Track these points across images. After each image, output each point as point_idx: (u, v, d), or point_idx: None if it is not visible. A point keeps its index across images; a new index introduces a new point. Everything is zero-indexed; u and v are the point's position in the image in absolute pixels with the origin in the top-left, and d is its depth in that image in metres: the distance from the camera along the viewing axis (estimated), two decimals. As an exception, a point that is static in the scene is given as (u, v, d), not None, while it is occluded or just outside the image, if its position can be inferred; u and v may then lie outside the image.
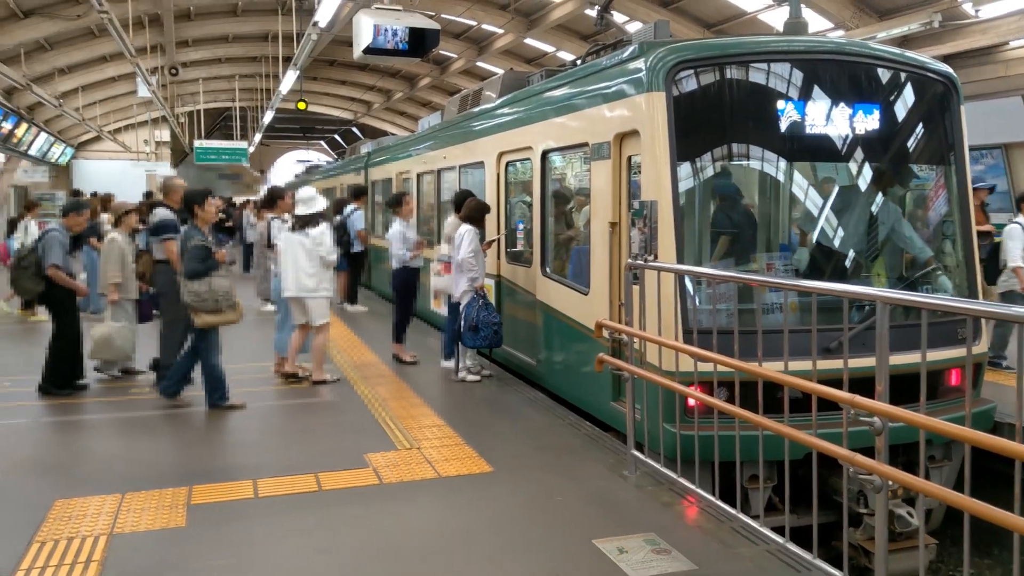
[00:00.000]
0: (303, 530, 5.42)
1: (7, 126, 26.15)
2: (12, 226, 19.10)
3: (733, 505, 5.60)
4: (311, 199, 9.51)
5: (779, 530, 5.24)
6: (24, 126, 27.92)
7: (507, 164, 10.43)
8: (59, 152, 35.36)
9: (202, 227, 8.63)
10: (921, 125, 7.64)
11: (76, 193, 20.26)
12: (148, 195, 20.80)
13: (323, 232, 9.34)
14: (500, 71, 13.52)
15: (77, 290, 9.17)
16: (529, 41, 25.22)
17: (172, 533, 5.35)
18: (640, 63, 7.13)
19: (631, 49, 7.50)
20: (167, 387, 8.70)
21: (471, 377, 9.81)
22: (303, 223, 9.37)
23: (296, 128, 53.39)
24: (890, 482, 4.17)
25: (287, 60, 20.79)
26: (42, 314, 14.01)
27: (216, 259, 8.41)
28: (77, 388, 9.25)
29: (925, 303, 4.16)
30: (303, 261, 9.29)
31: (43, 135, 31.20)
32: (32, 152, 31.15)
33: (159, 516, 5.61)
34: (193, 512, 5.70)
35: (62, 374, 9.13)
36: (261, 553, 5.10)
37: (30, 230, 16.93)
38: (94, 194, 21.18)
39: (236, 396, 8.67)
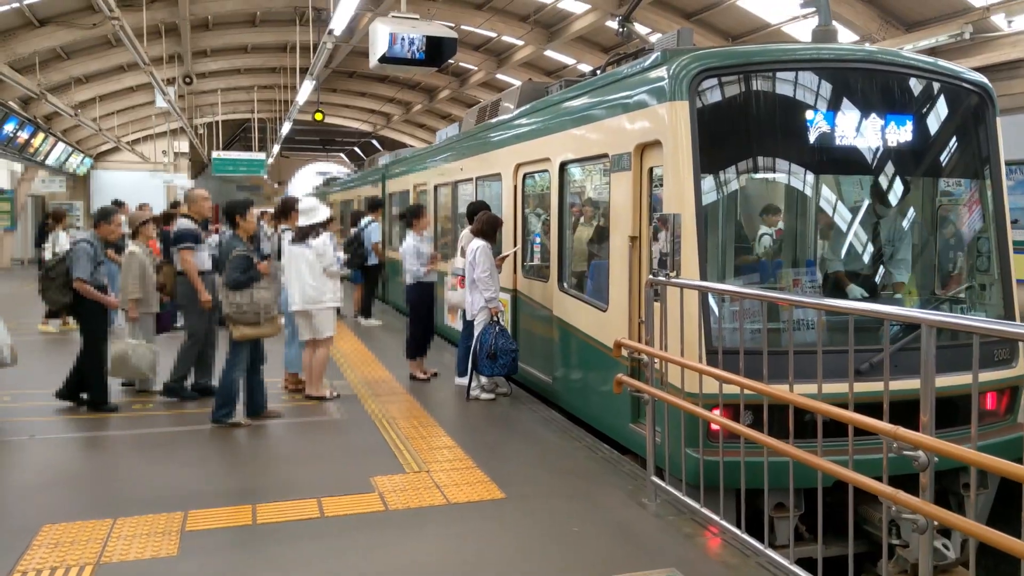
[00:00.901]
0: (301, 561, 5.11)
1: (23, 135, 26.05)
2: (43, 237, 19.03)
3: (757, 534, 5.26)
4: (312, 210, 9.30)
5: (803, 562, 4.90)
6: (41, 136, 27.84)
7: (524, 176, 10.15)
8: (77, 162, 35.34)
9: (244, 237, 8.58)
10: (955, 137, 7.31)
11: (118, 204, 20.19)
12: (174, 205, 20.76)
13: (324, 243, 9.09)
14: (519, 83, 13.28)
15: (106, 303, 8.92)
16: (549, 53, 24.99)
17: (162, 563, 5.05)
18: (662, 71, 6.83)
19: (653, 57, 7.21)
20: (220, 416, 8.38)
21: (485, 395, 9.51)
22: (303, 235, 9.15)
23: (316, 140, 53.46)
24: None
25: (305, 71, 20.61)
26: (51, 326, 13.89)
27: (258, 270, 8.28)
28: (84, 403, 8.99)
29: (976, 327, 3.80)
30: (306, 274, 9.05)
31: (60, 145, 31.14)
32: (49, 162, 31.09)
33: (150, 544, 5.31)
34: (187, 540, 5.40)
35: (101, 389, 8.90)
36: (255, 586, 4.81)
37: (60, 241, 16.85)
38: (120, 203, 21.07)
39: (242, 413, 8.47)
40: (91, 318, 8.91)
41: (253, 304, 8.11)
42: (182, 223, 9.49)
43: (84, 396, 9.01)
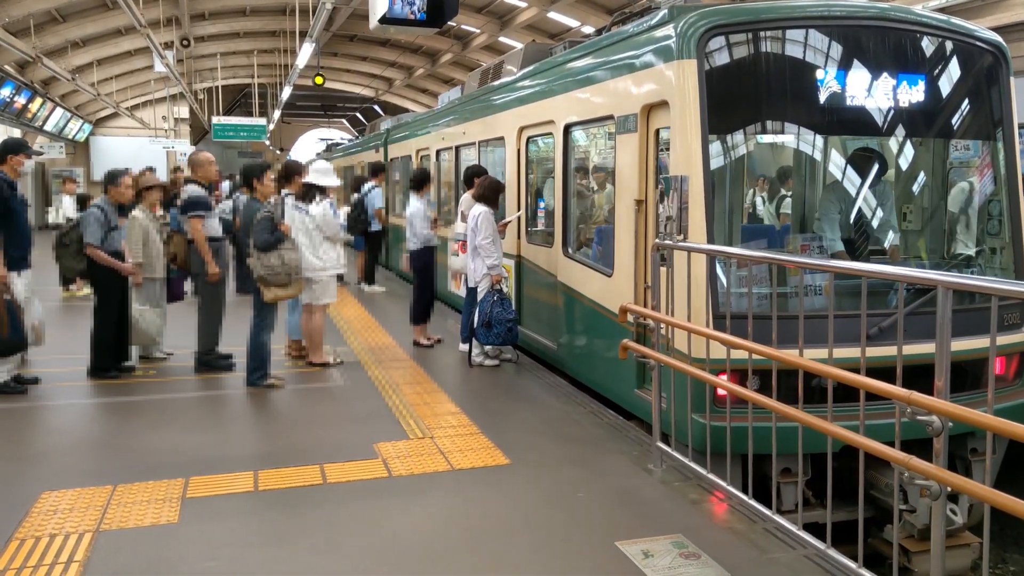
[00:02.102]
0: (303, 528, 5.05)
1: (20, 100, 25.72)
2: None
3: (764, 500, 5.19)
4: (324, 172, 9.19)
5: (810, 527, 4.84)
6: (38, 101, 27.54)
7: (528, 139, 10.01)
8: (76, 128, 35.02)
9: (262, 200, 8.74)
10: (968, 98, 7.16)
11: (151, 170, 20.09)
12: (175, 170, 20.58)
13: (325, 211, 8.96)
14: (522, 46, 13.09)
15: (119, 268, 8.80)
16: (553, 15, 24.69)
17: (162, 530, 4.99)
18: (669, 29, 6.68)
19: (660, 15, 7.05)
20: (256, 379, 8.47)
21: (489, 362, 9.43)
22: (300, 197, 9.05)
23: (317, 106, 53.11)
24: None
25: (305, 34, 20.35)
26: (74, 290, 13.88)
27: (282, 231, 8.34)
28: (123, 370, 8.98)
29: (993, 288, 3.70)
30: (305, 242, 8.91)
31: (59, 110, 30.84)
32: (48, 128, 30.79)
33: (150, 511, 5.25)
34: (187, 507, 5.34)
35: (104, 356, 8.83)
36: (254, 555, 4.73)
37: (63, 205, 16.63)
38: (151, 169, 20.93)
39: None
40: (105, 283, 8.83)
41: (285, 266, 8.19)
42: (190, 189, 9.25)
43: (124, 363, 9.05)
